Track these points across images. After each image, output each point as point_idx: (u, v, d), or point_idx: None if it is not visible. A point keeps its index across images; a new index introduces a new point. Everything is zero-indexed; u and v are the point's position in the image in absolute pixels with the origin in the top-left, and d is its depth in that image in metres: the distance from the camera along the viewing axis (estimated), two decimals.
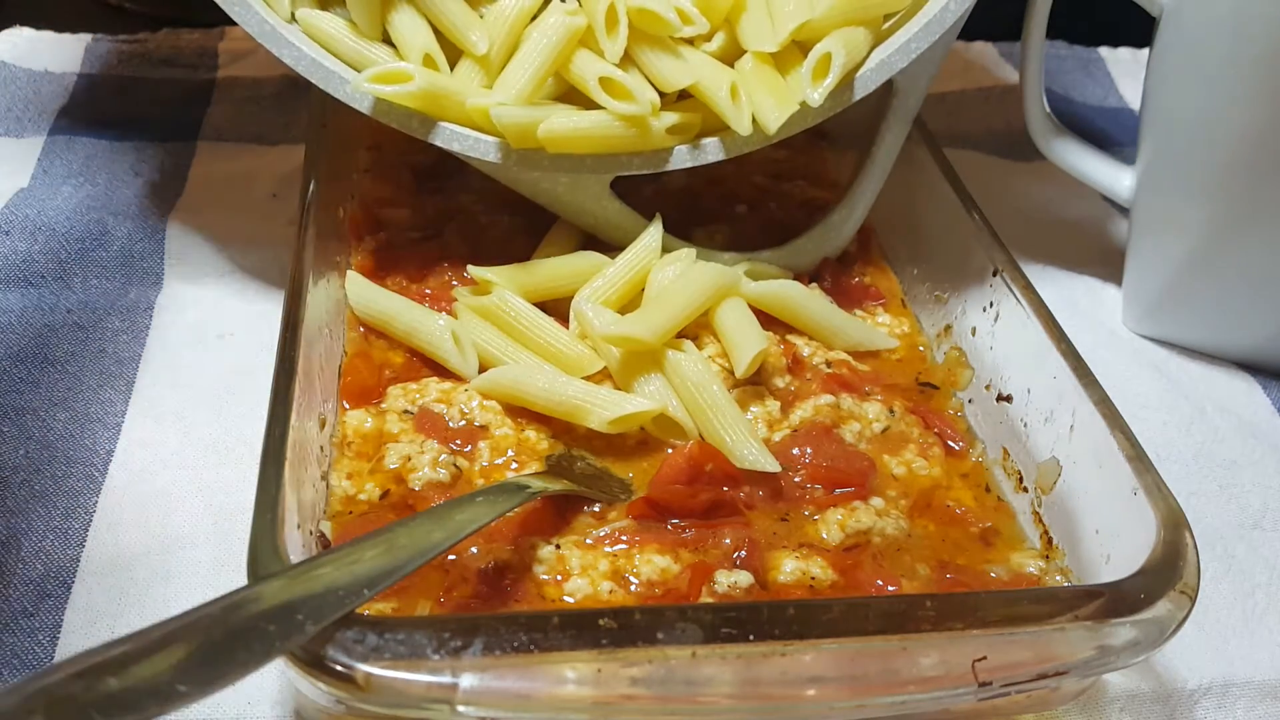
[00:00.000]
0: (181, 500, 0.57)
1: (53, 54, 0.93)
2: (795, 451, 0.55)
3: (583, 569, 0.50)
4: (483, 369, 0.58)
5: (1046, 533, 0.54)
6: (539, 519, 0.52)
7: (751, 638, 0.39)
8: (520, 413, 0.56)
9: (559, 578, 0.49)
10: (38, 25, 0.95)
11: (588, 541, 0.51)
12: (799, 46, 0.62)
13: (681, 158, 0.62)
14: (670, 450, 0.55)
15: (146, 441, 0.60)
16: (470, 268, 0.61)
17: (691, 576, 0.49)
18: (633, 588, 0.49)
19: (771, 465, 0.53)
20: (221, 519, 0.56)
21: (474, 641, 0.38)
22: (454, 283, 0.64)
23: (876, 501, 0.54)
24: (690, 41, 0.63)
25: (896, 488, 0.56)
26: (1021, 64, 0.75)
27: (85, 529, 0.55)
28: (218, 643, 0.34)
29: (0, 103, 0.86)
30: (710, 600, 0.48)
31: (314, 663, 0.37)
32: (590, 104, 0.61)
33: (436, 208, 0.70)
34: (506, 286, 0.60)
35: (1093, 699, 0.51)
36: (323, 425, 0.54)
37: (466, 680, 0.38)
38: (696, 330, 0.60)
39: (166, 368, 0.64)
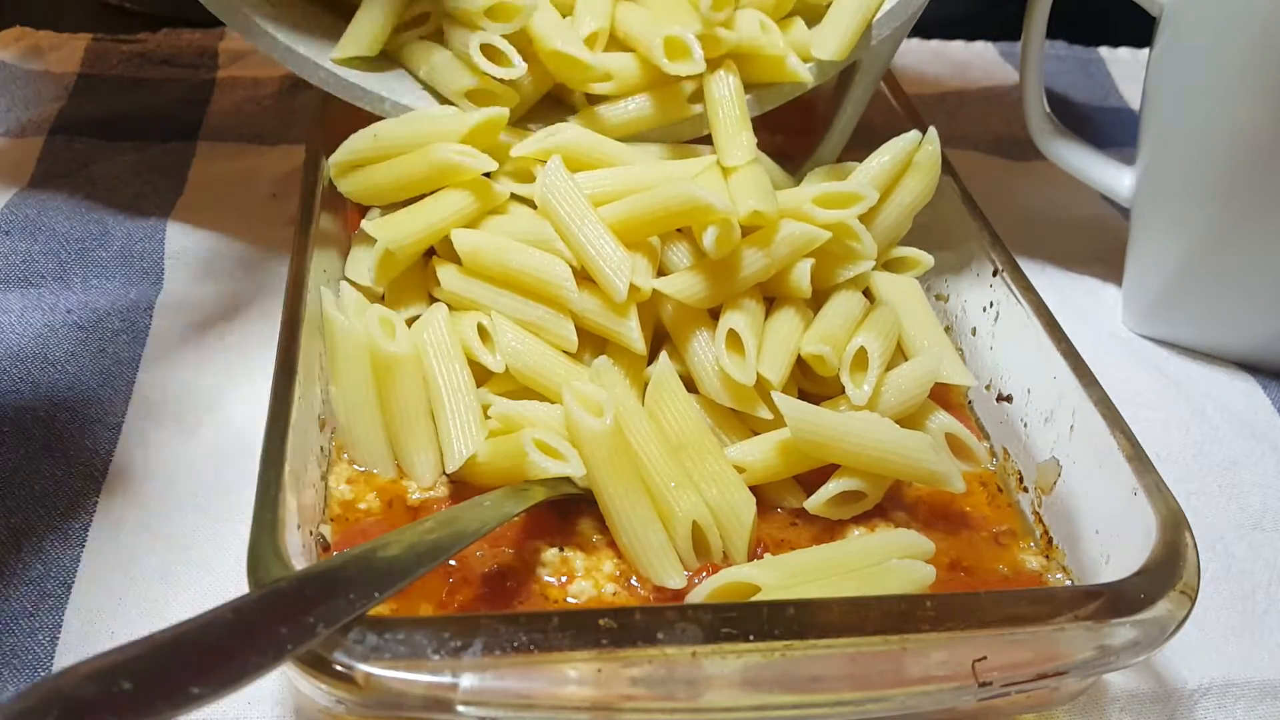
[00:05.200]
0: (181, 499, 0.57)
1: (53, 54, 0.93)
2: None
3: (586, 571, 0.50)
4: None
5: (1046, 533, 0.54)
6: (543, 522, 0.52)
7: (751, 638, 0.39)
8: None
9: (563, 579, 0.49)
10: (38, 25, 0.96)
11: (593, 541, 0.51)
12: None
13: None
14: None
15: (146, 441, 0.60)
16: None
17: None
18: (638, 590, 0.49)
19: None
20: (221, 519, 0.56)
21: (474, 642, 0.38)
22: None
23: (897, 515, 0.54)
24: None
25: (913, 494, 0.56)
26: (1021, 64, 0.75)
27: (85, 529, 0.55)
28: (230, 646, 0.34)
29: (0, 103, 0.86)
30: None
31: (314, 663, 0.37)
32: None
33: None
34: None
35: (1093, 699, 0.51)
36: (322, 426, 0.54)
37: (466, 680, 0.38)
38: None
39: (166, 368, 0.64)
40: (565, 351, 0.56)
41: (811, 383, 0.57)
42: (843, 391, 0.55)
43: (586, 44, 0.63)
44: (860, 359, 0.55)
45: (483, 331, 0.56)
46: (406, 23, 0.66)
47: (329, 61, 0.64)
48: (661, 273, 0.57)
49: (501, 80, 0.61)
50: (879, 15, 0.64)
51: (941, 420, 0.56)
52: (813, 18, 0.66)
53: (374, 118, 0.64)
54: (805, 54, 0.63)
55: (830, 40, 0.63)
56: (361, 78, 0.65)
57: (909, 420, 0.55)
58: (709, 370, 0.55)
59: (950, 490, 0.53)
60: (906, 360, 0.58)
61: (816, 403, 0.54)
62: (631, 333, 0.54)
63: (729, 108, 0.61)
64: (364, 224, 0.59)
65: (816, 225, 0.56)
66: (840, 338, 0.55)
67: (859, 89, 0.68)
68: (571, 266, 0.56)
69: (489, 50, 0.61)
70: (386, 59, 0.67)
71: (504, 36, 0.61)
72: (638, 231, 0.56)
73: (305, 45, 0.64)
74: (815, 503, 0.52)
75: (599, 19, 0.63)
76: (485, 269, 0.57)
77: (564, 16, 0.64)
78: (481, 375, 0.55)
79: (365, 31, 0.64)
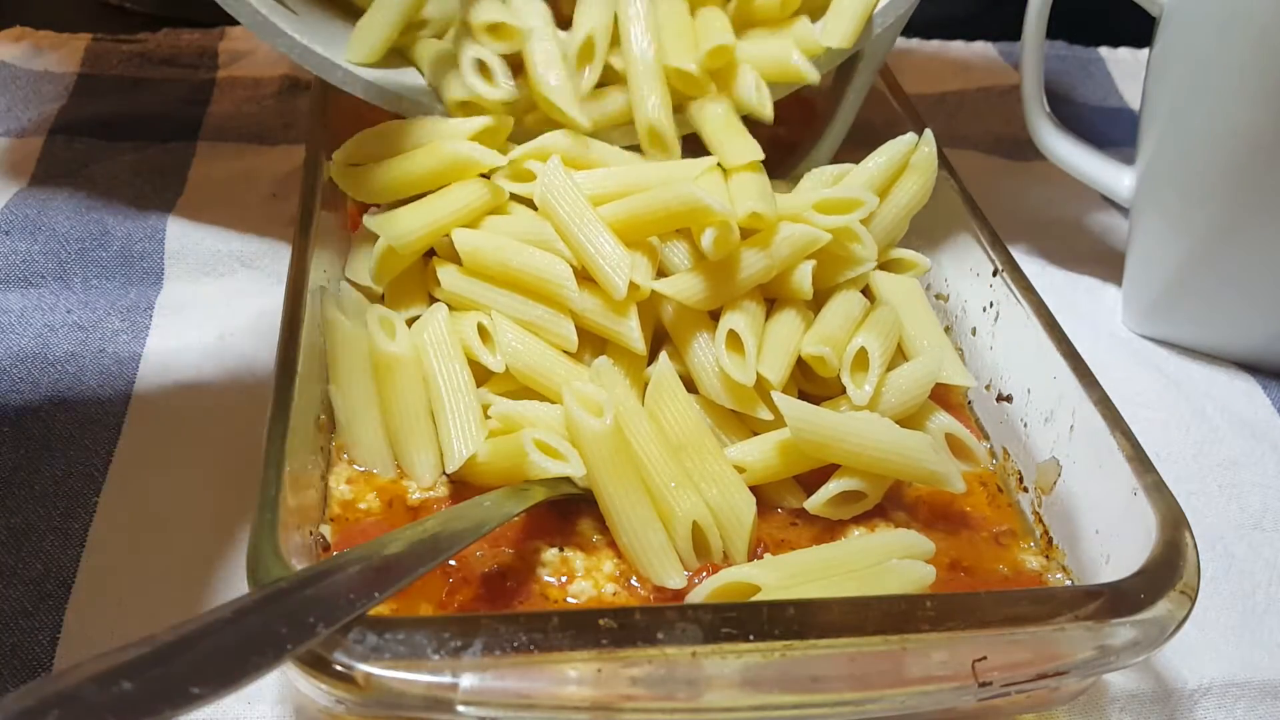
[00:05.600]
0: (181, 499, 0.57)
1: (53, 54, 0.93)
2: None
3: (586, 571, 0.50)
4: None
5: (1046, 533, 0.54)
6: (543, 522, 0.52)
7: (751, 638, 0.39)
8: None
9: (563, 579, 0.49)
10: (38, 25, 0.96)
11: (593, 541, 0.51)
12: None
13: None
14: None
15: (146, 441, 0.60)
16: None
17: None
18: (638, 590, 0.49)
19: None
20: (221, 519, 0.56)
21: (474, 642, 0.38)
22: None
23: (898, 515, 0.54)
24: None
25: (913, 494, 0.56)
26: (1021, 64, 0.75)
27: (85, 529, 0.55)
28: (230, 646, 0.34)
29: (0, 103, 0.86)
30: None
31: (314, 663, 0.37)
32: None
33: None
34: None
35: (1093, 699, 0.51)
36: (322, 426, 0.54)
37: (466, 680, 0.38)
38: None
39: (166, 368, 0.64)
40: (565, 351, 0.56)
41: (812, 384, 0.57)
42: (843, 392, 0.55)
43: (583, 53, 0.63)
44: (861, 359, 0.55)
45: (483, 332, 0.56)
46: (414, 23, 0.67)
47: (345, 60, 0.64)
48: (662, 273, 0.57)
49: (491, 99, 0.61)
50: (880, 5, 0.65)
51: (941, 420, 0.56)
52: (816, 14, 0.66)
53: (376, 116, 0.64)
54: (810, 49, 0.64)
55: (838, 29, 0.64)
56: (379, 75, 0.65)
57: (909, 421, 0.55)
58: (709, 371, 0.55)
59: (950, 491, 0.53)
60: (906, 360, 0.58)
61: (816, 404, 0.54)
62: (631, 332, 0.54)
63: (724, 121, 0.62)
64: (366, 220, 0.59)
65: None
66: (840, 339, 0.55)
67: (861, 78, 0.68)
68: (572, 266, 0.56)
69: (484, 67, 0.61)
70: (399, 55, 0.67)
71: (503, 56, 0.61)
72: (637, 231, 0.56)
73: (321, 44, 0.64)
74: (815, 503, 0.52)
75: (593, 24, 0.63)
76: (485, 269, 0.57)
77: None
78: (481, 375, 0.55)
79: (372, 36, 0.64)
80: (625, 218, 0.56)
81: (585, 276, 0.56)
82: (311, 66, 0.63)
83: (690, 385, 0.55)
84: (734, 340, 0.54)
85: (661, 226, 0.56)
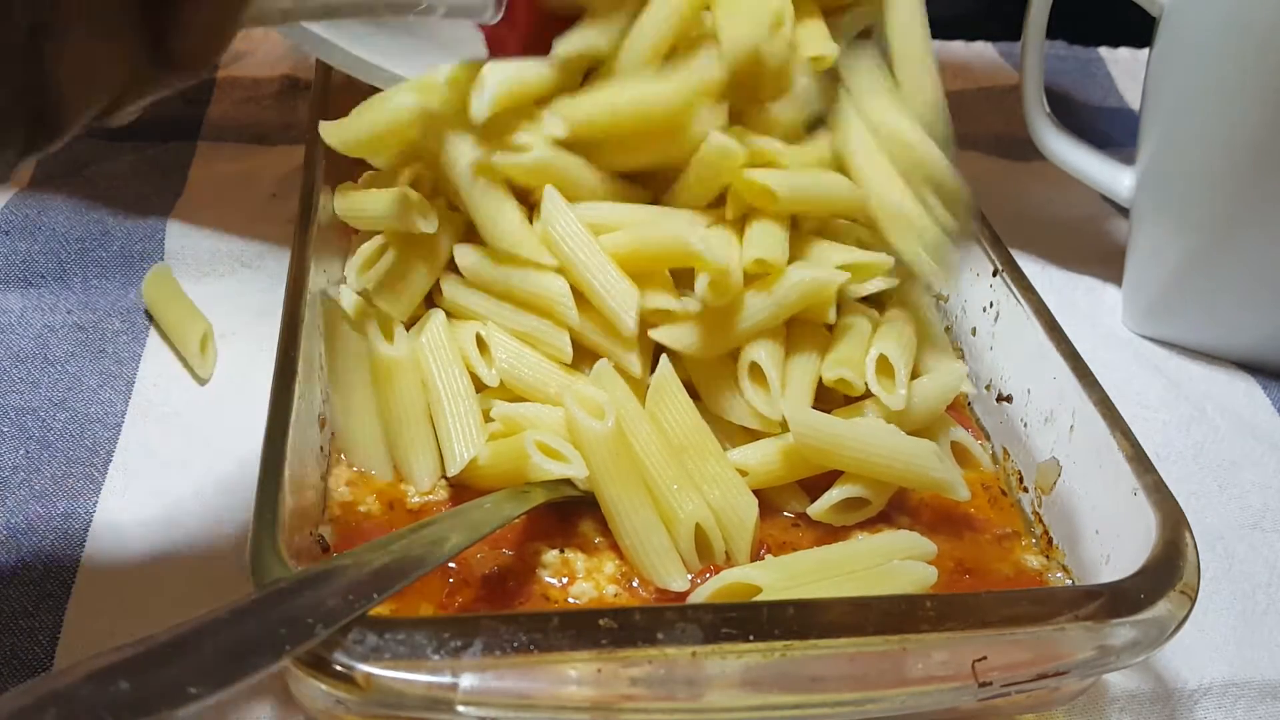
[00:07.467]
0: (181, 499, 0.57)
1: None
2: None
3: (588, 573, 0.50)
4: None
5: (1046, 533, 0.54)
6: (544, 524, 0.52)
7: (751, 638, 0.39)
8: None
9: (564, 581, 0.49)
10: None
11: (595, 543, 0.51)
12: None
13: None
14: None
15: (146, 441, 0.60)
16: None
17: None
18: (639, 592, 0.49)
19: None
20: (221, 519, 0.56)
21: (474, 642, 0.38)
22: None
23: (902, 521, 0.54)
24: None
25: (916, 498, 0.55)
26: (1021, 64, 0.75)
27: (85, 529, 0.55)
28: (229, 646, 0.34)
29: None
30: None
31: (314, 663, 0.37)
32: None
33: None
34: None
35: (1093, 699, 0.51)
36: (322, 425, 0.54)
37: (466, 680, 0.38)
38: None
39: (166, 368, 0.64)
40: (561, 363, 0.55)
41: (817, 399, 0.57)
42: (847, 403, 0.55)
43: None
44: (884, 367, 0.54)
45: (480, 343, 0.56)
46: None
47: (345, 41, 0.63)
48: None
49: None
50: None
51: (952, 430, 0.56)
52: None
53: None
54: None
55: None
56: (378, 57, 0.64)
57: (924, 431, 0.55)
58: (732, 403, 0.54)
59: (954, 498, 0.53)
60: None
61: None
62: (631, 356, 0.54)
63: None
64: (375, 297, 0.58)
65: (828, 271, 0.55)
66: (857, 357, 0.55)
67: None
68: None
69: None
70: (403, 32, 0.66)
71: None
72: (634, 266, 0.55)
73: (320, 25, 0.63)
74: (818, 509, 0.52)
75: None
76: (486, 285, 0.57)
77: None
78: (479, 383, 0.55)
79: None
80: (626, 252, 0.54)
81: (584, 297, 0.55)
82: (309, 48, 0.62)
83: (691, 390, 0.55)
84: (756, 370, 0.54)
85: (659, 265, 0.55)
